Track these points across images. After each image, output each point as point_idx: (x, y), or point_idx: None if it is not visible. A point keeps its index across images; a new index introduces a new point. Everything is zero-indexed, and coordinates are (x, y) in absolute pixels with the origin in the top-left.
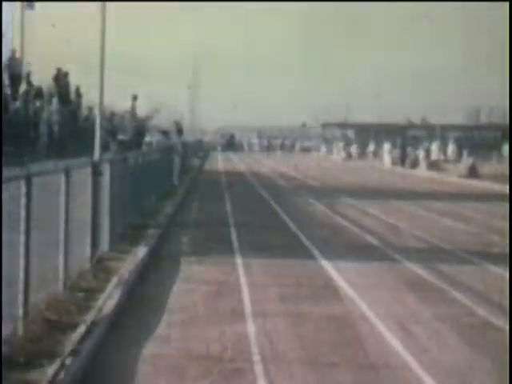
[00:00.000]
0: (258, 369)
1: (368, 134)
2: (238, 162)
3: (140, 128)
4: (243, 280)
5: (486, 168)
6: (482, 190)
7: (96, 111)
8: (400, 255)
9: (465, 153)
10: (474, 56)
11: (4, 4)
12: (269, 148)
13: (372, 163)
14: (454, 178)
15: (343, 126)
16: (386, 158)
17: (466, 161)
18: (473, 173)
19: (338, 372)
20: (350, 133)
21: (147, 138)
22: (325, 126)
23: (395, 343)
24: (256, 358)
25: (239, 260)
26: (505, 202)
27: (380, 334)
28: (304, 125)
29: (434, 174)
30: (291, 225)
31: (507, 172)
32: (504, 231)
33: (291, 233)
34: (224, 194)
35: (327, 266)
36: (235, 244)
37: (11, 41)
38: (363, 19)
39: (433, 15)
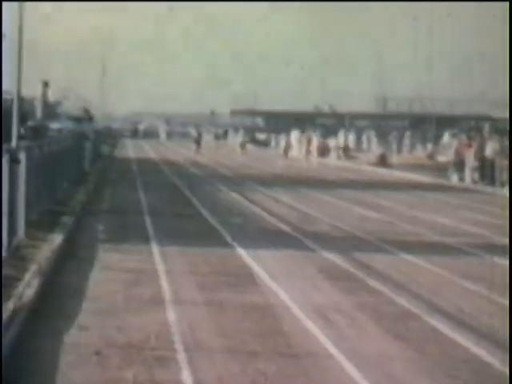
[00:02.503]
0: (181, 357)
1: (276, 122)
2: (148, 149)
3: (50, 114)
4: (160, 268)
5: (394, 157)
6: (391, 178)
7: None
8: (314, 243)
9: (374, 142)
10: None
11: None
12: (198, 137)
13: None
14: (364, 166)
15: (252, 113)
16: (295, 146)
17: (376, 150)
18: (382, 162)
19: (260, 360)
20: (259, 120)
21: (56, 125)
22: (234, 113)
23: (316, 332)
24: (178, 346)
25: (155, 248)
26: (415, 189)
27: (300, 322)
28: (213, 113)
29: (344, 163)
30: (203, 211)
31: (414, 161)
32: (415, 220)
33: (205, 220)
34: (136, 181)
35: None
36: (150, 232)
37: None
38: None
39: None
